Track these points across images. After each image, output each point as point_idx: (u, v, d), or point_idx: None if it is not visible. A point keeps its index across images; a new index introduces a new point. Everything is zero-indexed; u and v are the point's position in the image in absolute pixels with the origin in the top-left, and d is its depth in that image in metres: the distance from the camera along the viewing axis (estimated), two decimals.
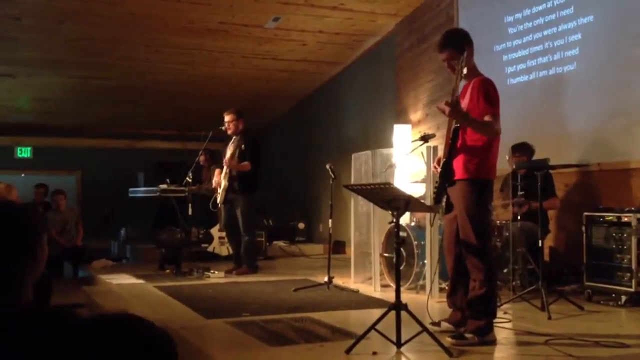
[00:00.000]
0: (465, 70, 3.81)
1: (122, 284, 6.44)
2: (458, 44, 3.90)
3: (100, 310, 4.97)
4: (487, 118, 3.76)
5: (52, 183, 10.20)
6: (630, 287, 4.87)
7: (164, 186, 8.18)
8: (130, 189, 9.11)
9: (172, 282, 6.51)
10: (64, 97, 10.68)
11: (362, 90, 10.01)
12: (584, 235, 5.30)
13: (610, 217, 5.12)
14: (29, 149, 12.43)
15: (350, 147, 7.95)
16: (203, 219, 8.49)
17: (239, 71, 10.03)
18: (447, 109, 3.67)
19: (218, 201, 7.26)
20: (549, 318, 4.40)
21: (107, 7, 7.67)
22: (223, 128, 7.18)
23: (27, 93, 10.60)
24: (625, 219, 4.98)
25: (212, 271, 7.08)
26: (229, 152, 7.16)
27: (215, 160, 8.61)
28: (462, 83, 3.96)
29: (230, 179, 7.03)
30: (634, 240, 4.89)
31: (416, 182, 6.35)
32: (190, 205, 7.42)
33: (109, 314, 0.95)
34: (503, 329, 4.11)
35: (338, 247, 9.44)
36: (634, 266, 4.86)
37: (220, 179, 7.17)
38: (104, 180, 11.95)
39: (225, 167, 7.08)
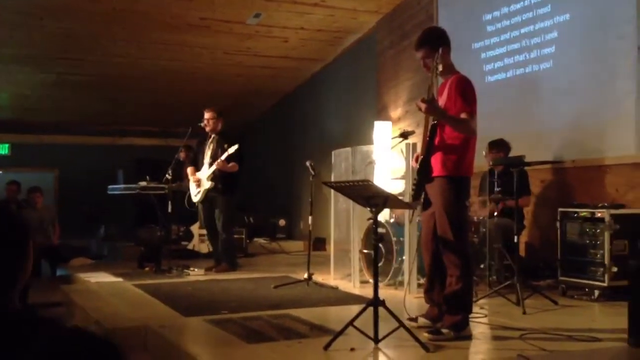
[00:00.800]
0: (440, 68, 3.85)
1: (101, 282, 6.42)
2: (433, 42, 3.94)
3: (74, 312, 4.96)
4: (463, 116, 3.81)
5: (30, 180, 10.10)
6: (603, 281, 4.96)
7: (143, 183, 8.15)
8: (109, 187, 9.05)
9: (151, 280, 6.49)
10: (43, 93, 10.59)
11: (343, 87, 10.05)
12: (559, 230, 5.38)
13: (584, 213, 5.20)
14: (6, 145, 12.31)
15: (331, 144, 7.98)
16: (183, 217, 8.48)
17: (221, 67, 10.02)
18: (423, 106, 3.72)
19: (196, 200, 7.24)
20: (524, 313, 4.47)
21: (88, 2, 7.63)
22: (202, 124, 7.16)
23: (5, 89, 10.49)
24: (599, 215, 5.07)
25: (191, 269, 7.08)
26: (208, 151, 7.15)
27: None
28: (440, 81, 4.01)
29: (214, 179, 7.01)
30: (607, 235, 4.98)
31: (396, 178, 6.40)
32: (170, 202, 7.40)
33: (66, 334, 0.96)
34: (479, 323, 4.17)
35: (318, 244, 9.47)
36: (606, 261, 4.95)
37: (197, 177, 7.14)
38: (82, 178, 11.86)
39: (208, 167, 7.05)
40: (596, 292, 5.03)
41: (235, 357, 3.43)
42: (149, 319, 4.42)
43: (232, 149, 6.78)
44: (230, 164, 6.88)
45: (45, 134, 12.10)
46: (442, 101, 3.92)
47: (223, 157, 6.82)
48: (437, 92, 3.95)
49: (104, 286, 6.20)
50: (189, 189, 7.43)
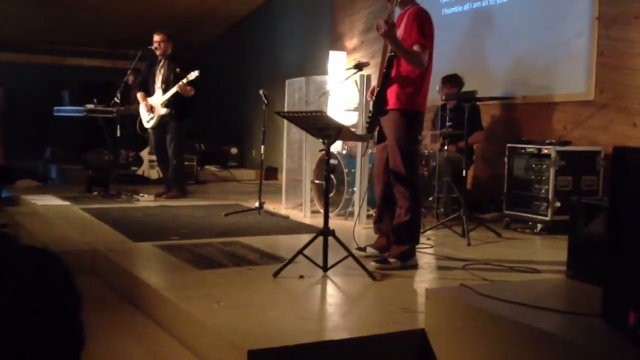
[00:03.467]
0: None
1: (48, 205, 6.31)
2: None
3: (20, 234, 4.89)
4: (416, 48, 3.79)
5: None
6: (546, 215, 5.14)
7: (91, 106, 7.93)
8: (56, 108, 8.78)
9: (99, 204, 6.41)
10: None
11: (298, 15, 9.84)
12: (506, 165, 5.51)
13: (531, 149, 5.33)
14: None
15: (285, 73, 7.87)
16: (132, 141, 8.33)
17: None
18: (383, 27, 3.67)
19: (148, 126, 7.10)
20: (469, 244, 4.61)
21: None
22: (152, 48, 6.96)
23: None
24: (545, 151, 5.20)
25: (141, 195, 7.01)
26: (160, 76, 6.97)
27: None
28: (398, 12, 3.97)
29: (169, 105, 6.86)
30: (552, 171, 5.12)
31: (349, 110, 6.39)
32: (118, 126, 7.24)
33: (21, 247, 0.95)
34: (425, 254, 4.28)
35: (270, 173, 9.48)
36: (550, 196, 5.12)
37: (148, 103, 6.98)
38: (27, 98, 11.43)
39: (162, 93, 6.87)
40: (539, 226, 5.21)
41: (184, 282, 3.45)
42: (98, 243, 4.39)
43: (193, 75, 6.63)
44: (189, 88, 6.75)
45: None
46: (399, 32, 3.88)
47: (184, 81, 6.66)
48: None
49: (51, 209, 6.09)
50: (138, 114, 7.27)
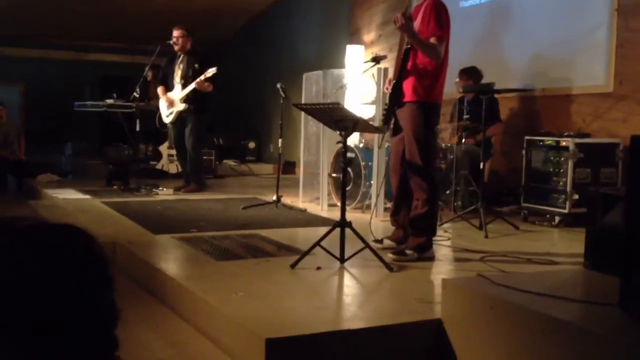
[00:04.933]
0: None
1: (69, 199, 6.39)
2: None
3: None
4: (432, 40, 3.79)
5: None
6: (564, 208, 5.11)
7: (110, 101, 8.01)
8: (76, 103, 8.88)
9: (119, 198, 6.49)
10: (7, 4, 10.16)
11: (316, 9, 9.85)
12: (524, 158, 5.48)
13: (550, 142, 5.30)
14: None
15: (303, 67, 7.87)
16: (151, 136, 8.40)
17: None
18: (400, 20, 3.67)
19: (167, 121, 7.16)
20: (486, 237, 4.60)
21: None
22: (171, 42, 7.00)
23: None
24: (564, 144, 5.16)
25: (160, 188, 7.07)
26: (179, 71, 7.03)
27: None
28: (415, 3, 3.97)
29: (187, 100, 6.92)
30: (570, 164, 5.09)
31: (366, 103, 6.40)
32: (138, 121, 7.31)
33: (43, 223, 0.96)
34: (442, 246, 4.29)
35: (288, 167, 9.51)
36: (569, 189, 5.08)
37: (169, 98, 7.04)
38: (48, 93, 11.57)
39: (181, 88, 6.93)
40: (557, 219, 5.18)
41: (203, 273, 3.49)
42: (118, 235, 4.45)
43: (211, 72, 6.67)
44: (207, 84, 6.80)
45: (9, 47, 11.67)
46: (415, 24, 3.88)
47: (202, 77, 6.71)
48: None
49: (72, 202, 6.18)
50: (157, 109, 7.34)
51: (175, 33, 7.00)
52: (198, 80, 6.73)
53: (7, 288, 0.85)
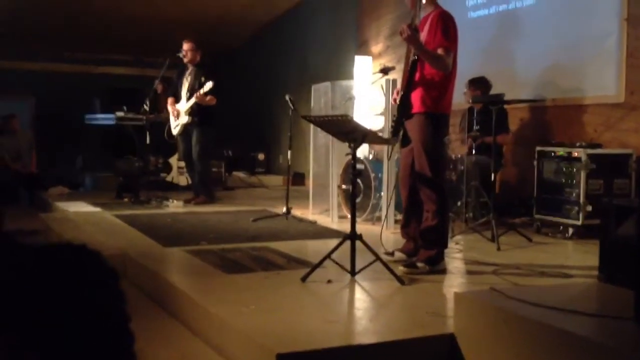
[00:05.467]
0: (423, 1, 3.81)
1: (79, 212, 6.41)
2: None
3: (52, 239, 4.97)
4: (440, 51, 3.77)
5: (6, 108, 9.89)
6: (578, 220, 5.06)
7: (120, 114, 8.04)
8: (87, 116, 8.93)
9: (130, 210, 6.50)
10: (17, 18, 10.25)
11: (324, 20, 9.87)
12: (536, 169, 5.44)
13: (561, 152, 5.25)
14: None
15: (311, 78, 7.88)
16: (161, 148, 8.42)
17: None
18: (406, 31, 3.66)
19: (175, 132, 7.20)
20: (498, 249, 4.56)
21: None
22: (180, 55, 7.05)
23: None
24: (575, 154, 5.12)
25: (170, 200, 7.08)
26: (186, 83, 7.07)
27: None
28: (422, 14, 3.96)
29: (191, 113, 6.95)
30: (582, 174, 5.05)
31: (375, 114, 6.38)
32: (148, 134, 7.34)
33: (59, 243, 0.95)
34: (454, 259, 4.25)
35: (298, 179, 9.50)
36: (581, 200, 5.03)
37: (176, 109, 7.08)
38: (59, 106, 11.64)
39: (186, 101, 6.98)
40: (570, 230, 5.13)
41: (213, 286, 3.48)
42: (128, 248, 4.44)
43: (207, 87, 6.71)
44: (208, 98, 6.83)
45: (19, 61, 11.76)
46: (422, 36, 3.87)
47: (201, 91, 6.75)
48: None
49: (82, 215, 6.19)
50: (167, 121, 7.37)
51: (185, 46, 7.06)
52: (197, 94, 6.78)
53: (17, 307, 0.84)
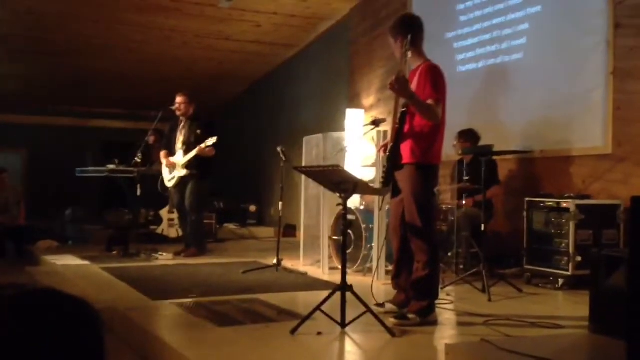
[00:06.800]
0: (409, 54, 3.88)
1: (67, 265, 6.34)
2: (404, 28, 3.95)
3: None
4: (429, 102, 3.82)
5: None
6: (568, 270, 5.06)
7: (112, 166, 8.06)
8: (78, 169, 8.94)
9: (119, 263, 6.44)
10: (10, 72, 10.37)
11: (316, 74, 10.03)
12: (525, 220, 5.46)
13: (550, 203, 5.29)
14: None
15: (303, 131, 7.96)
16: (152, 201, 8.41)
17: (192, 51, 9.91)
18: (394, 83, 3.69)
19: (169, 185, 7.20)
20: (489, 300, 4.54)
21: None
22: (173, 108, 7.12)
23: None
24: (564, 205, 5.15)
25: (160, 253, 7.04)
26: (181, 137, 7.12)
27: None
28: (410, 68, 4.03)
29: (189, 166, 6.98)
30: (572, 225, 5.07)
31: (366, 166, 6.43)
32: (138, 186, 7.34)
33: (32, 289, 0.95)
34: (445, 310, 4.22)
35: (289, 230, 9.48)
36: (571, 250, 5.04)
37: (171, 162, 7.10)
38: (50, 159, 11.67)
39: (183, 154, 7.00)
40: (560, 281, 5.12)
41: (202, 340, 3.42)
42: (116, 302, 4.39)
43: (211, 142, 6.76)
44: (208, 149, 6.87)
45: (12, 114, 11.84)
46: (411, 88, 3.93)
47: (203, 145, 6.79)
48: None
49: (71, 269, 6.13)
50: (159, 173, 7.38)
51: (178, 99, 7.13)
52: (199, 147, 6.81)
53: None
